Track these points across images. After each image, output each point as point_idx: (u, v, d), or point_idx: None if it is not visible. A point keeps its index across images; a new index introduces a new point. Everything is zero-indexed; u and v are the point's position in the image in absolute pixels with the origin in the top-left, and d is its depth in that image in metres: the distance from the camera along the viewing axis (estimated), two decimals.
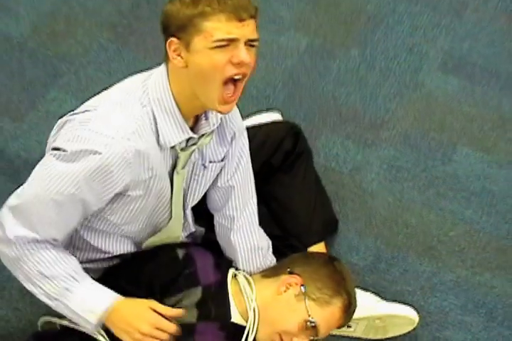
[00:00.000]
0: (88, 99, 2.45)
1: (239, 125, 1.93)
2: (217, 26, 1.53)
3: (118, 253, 1.89)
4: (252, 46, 1.61)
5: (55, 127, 1.73)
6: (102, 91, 2.43)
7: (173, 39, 1.58)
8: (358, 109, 2.68)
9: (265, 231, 2.07)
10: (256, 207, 2.06)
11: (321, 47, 2.84)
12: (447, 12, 3.04)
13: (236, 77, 1.59)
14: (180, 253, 1.88)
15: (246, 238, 2.00)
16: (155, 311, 1.72)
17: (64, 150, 1.60)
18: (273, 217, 2.18)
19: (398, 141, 2.61)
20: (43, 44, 2.65)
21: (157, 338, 1.70)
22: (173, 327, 1.71)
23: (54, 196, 1.62)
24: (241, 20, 1.54)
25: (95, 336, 1.74)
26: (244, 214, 2.02)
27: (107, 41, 2.70)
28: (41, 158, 2.24)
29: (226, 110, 1.65)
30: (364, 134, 2.61)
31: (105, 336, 1.73)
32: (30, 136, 2.41)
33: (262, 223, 2.07)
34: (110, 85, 2.47)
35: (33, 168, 2.24)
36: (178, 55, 1.59)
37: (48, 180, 1.62)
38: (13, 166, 2.32)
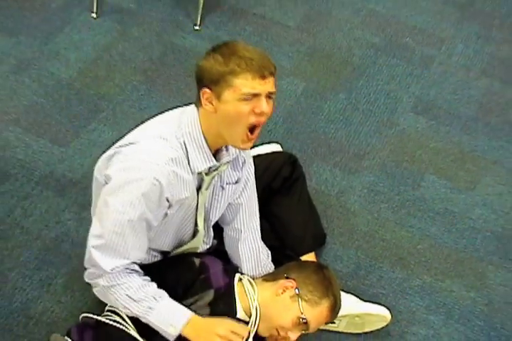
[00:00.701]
0: (122, 130, 2.50)
1: (247, 154, 1.93)
2: (245, 83, 1.56)
3: (147, 262, 1.88)
4: (271, 98, 1.63)
5: (103, 159, 1.72)
6: (133, 123, 2.47)
7: (207, 90, 1.60)
8: (344, 142, 2.69)
9: (266, 242, 2.05)
10: (259, 221, 2.04)
11: (315, 91, 2.86)
12: (418, 65, 3.07)
13: (255, 125, 1.62)
14: (197, 261, 1.87)
15: (250, 248, 2.00)
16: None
17: (113, 180, 1.61)
18: (273, 231, 2.17)
19: (377, 169, 2.62)
20: (86, 85, 2.66)
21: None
22: (246, 330, 1.75)
23: (128, 225, 1.63)
24: (263, 77, 1.57)
25: (128, 330, 1.76)
26: (249, 227, 2.01)
27: (139, 83, 2.71)
28: (83, 177, 2.35)
29: (246, 147, 1.68)
30: (348, 163, 2.62)
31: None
32: (74, 159, 2.41)
33: (264, 236, 2.05)
34: (141, 118, 2.52)
35: (76, 185, 2.34)
36: (210, 103, 1.61)
37: (116, 215, 1.62)
38: (60, 184, 2.32)
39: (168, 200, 1.66)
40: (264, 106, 1.59)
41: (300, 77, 2.90)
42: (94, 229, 1.68)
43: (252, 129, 1.63)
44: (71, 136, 2.48)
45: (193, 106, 1.70)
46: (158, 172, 1.60)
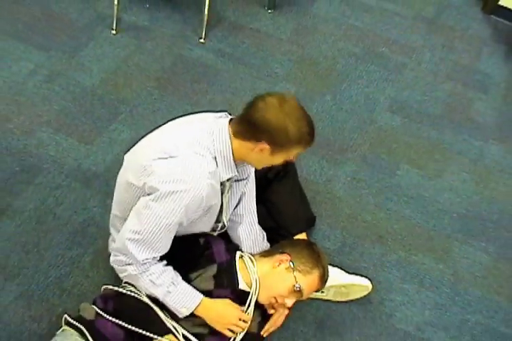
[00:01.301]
0: (139, 129, 2.49)
1: None
2: (298, 150, 1.64)
3: None
4: None
5: (138, 166, 1.65)
6: (148, 123, 2.49)
7: (266, 146, 1.59)
8: (330, 137, 2.69)
9: (263, 224, 2.04)
10: (255, 208, 2.03)
11: (304, 94, 2.85)
12: (393, 71, 3.06)
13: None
14: (201, 240, 1.87)
15: (249, 229, 1.99)
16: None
17: (159, 191, 1.58)
18: (269, 214, 2.15)
19: (358, 160, 2.62)
20: (108, 91, 2.65)
21: (241, 327, 1.76)
22: (250, 318, 1.78)
23: (165, 228, 1.62)
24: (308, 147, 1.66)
25: (141, 298, 1.77)
26: (249, 212, 1.99)
27: (152, 89, 2.70)
28: (105, 170, 2.34)
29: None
30: (334, 156, 2.62)
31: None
32: (98, 155, 2.40)
33: (261, 219, 2.04)
34: (154, 119, 2.55)
35: (100, 177, 2.33)
36: (261, 151, 1.61)
37: (157, 219, 1.61)
38: (86, 177, 2.32)
39: (202, 207, 1.66)
40: (294, 158, 1.70)
41: (291, 82, 2.89)
42: (133, 225, 1.65)
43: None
44: (95, 135, 2.48)
45: (225, 122, 1.66)
46: (201, 185, 1.58)
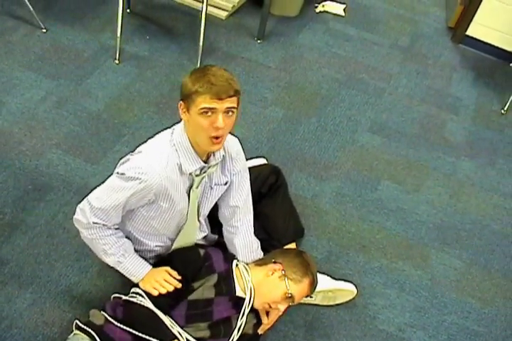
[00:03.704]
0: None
1: (242, 167, 1.93)
2: (204, 101, 1.57)
3: (154, 244, 1.92)
4: (231, 112, 1.61)
5: (120, 162, 1.78)
6: None
7: (181, 102, 1.64)
8: (316, 156, 2.72)
9: (256, 235, 2.04)
10: (252, 220, 2.03)
11: (292, 117, 2.88)
12: (372, 95, 3.11)
13: (216, 136, 1.62)
14: (202, 252, 1.89)
15: (244, 240, 1.99)
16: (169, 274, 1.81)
17: (123, 174, 1.67)
18: (262, 226, 2.14)
19: (343, 177, 2.65)
20: (112, 115, 2.67)
21: (163, 287, 1.77)
22: (175, 283, 1.78)
23: (113, 202, 1.70)
24: (220, 99, 1.57)
25: (148, 306, 1.77)
26: (244, 224, 2.00)
27: (152, 113, 2.72)
28: None
29: (214, 149, 1.68)
30: (320, 173, 2.65)
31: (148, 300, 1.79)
32: (103, 174, 2.34)
33: (255, 230, 2.03)
34: None
35: None
36: (184, 113, 1.65)
37: (111, 191, 1.70)
38: None
39: (154, 195, 1.71)
40: (220, 122, 1.58)
41: (280, 106, 2.93)
42: (97, 191, 1.75)
43: (216, 137, 1.63)
44: (100, 156, 2.50)
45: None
46: (149, 176, 1.65)
